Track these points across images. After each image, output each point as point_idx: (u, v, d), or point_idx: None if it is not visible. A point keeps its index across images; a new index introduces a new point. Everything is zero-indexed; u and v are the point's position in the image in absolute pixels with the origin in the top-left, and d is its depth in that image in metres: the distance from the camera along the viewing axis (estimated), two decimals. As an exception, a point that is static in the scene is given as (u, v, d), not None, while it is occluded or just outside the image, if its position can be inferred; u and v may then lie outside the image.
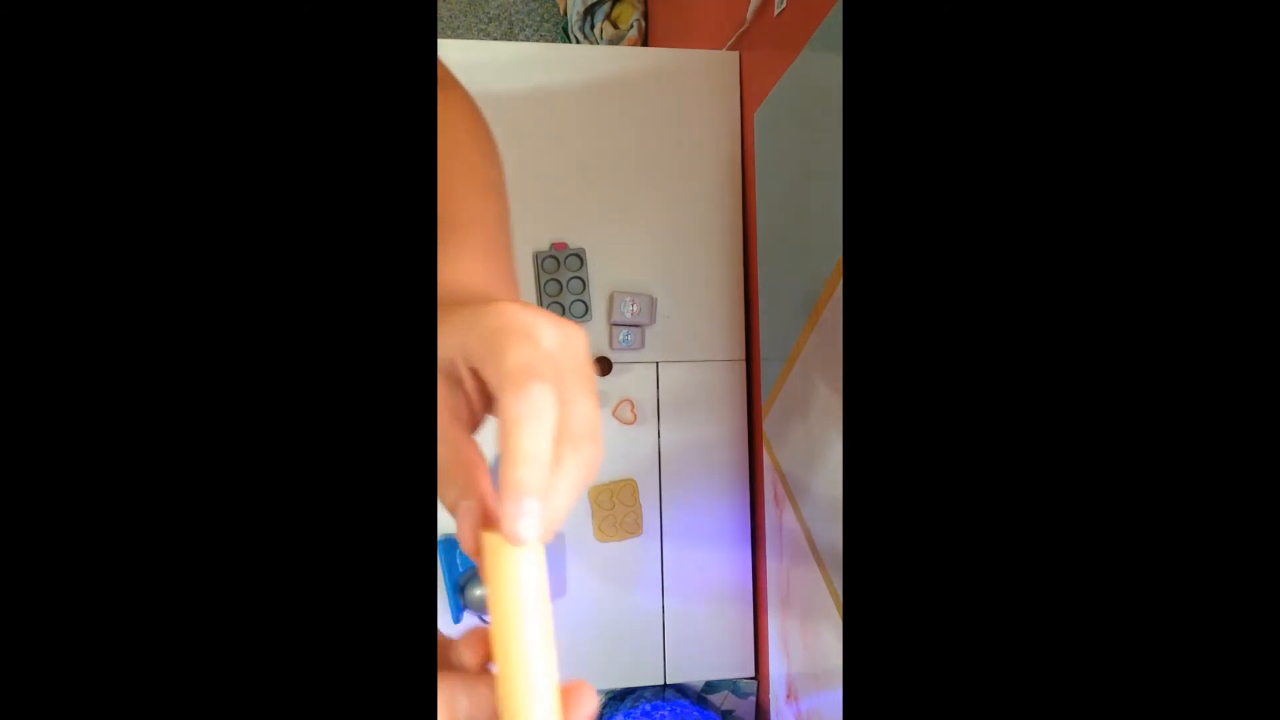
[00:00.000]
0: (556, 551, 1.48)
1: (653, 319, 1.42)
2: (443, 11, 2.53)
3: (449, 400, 0.26)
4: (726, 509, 1.47)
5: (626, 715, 1.59)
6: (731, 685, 1.53)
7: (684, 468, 1.46)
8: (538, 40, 2.46)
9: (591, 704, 0.26)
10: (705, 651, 1.48)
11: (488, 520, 0.25)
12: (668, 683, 1.53)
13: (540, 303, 1.35)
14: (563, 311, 1.38)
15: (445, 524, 1.47)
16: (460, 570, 1.44)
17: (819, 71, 1.05)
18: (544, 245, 1.39)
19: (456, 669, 0.25)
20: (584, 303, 1.38)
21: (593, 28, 2.23)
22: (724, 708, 1.53)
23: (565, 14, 2.34)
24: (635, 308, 1.40)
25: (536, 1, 2.52)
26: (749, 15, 1.35)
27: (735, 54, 1.46)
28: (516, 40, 2.41)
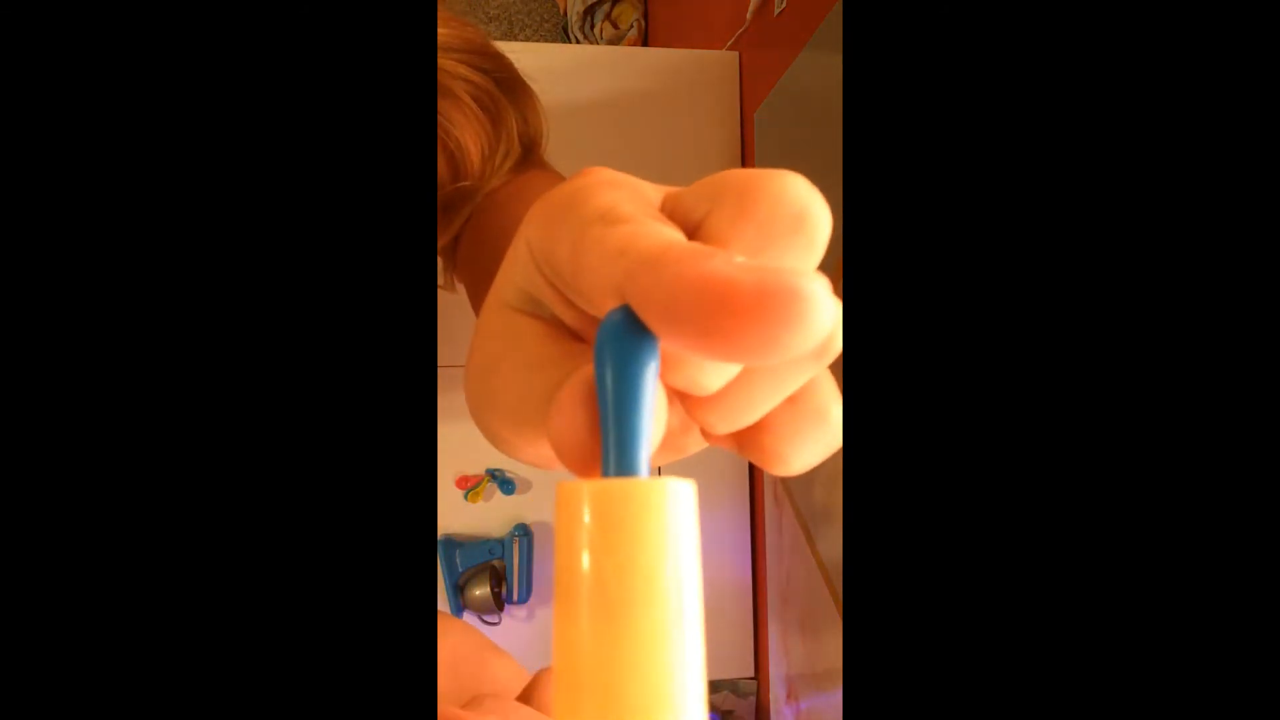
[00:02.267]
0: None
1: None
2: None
3: (534, 327, 0.20)
4: (726, 509, 1.47)
5: (626, 715, 1.59)
6: (731, 685, 1.53)
7: (684, 467, 1.46)
8: (538, 40, 2.45)
9: None
10: (705, 651, 1.48)
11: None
12: (668, 683, 1.52)
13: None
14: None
15: (445, 524, 1.47)
16: (460, 570, 1.44)
17: (819, 71, 1.05)
18: (544, 245, 1.39)
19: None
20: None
21: (593, 28, 2.23)
22: (724, 708, 1.53)
23: (565, 14, 2.34)
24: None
25: (536, 1, 2.52)
26: (749, 15, 1.35)
27: (735, 54, 1.46)
28: (516, 40, 2.41)
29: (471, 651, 0.24)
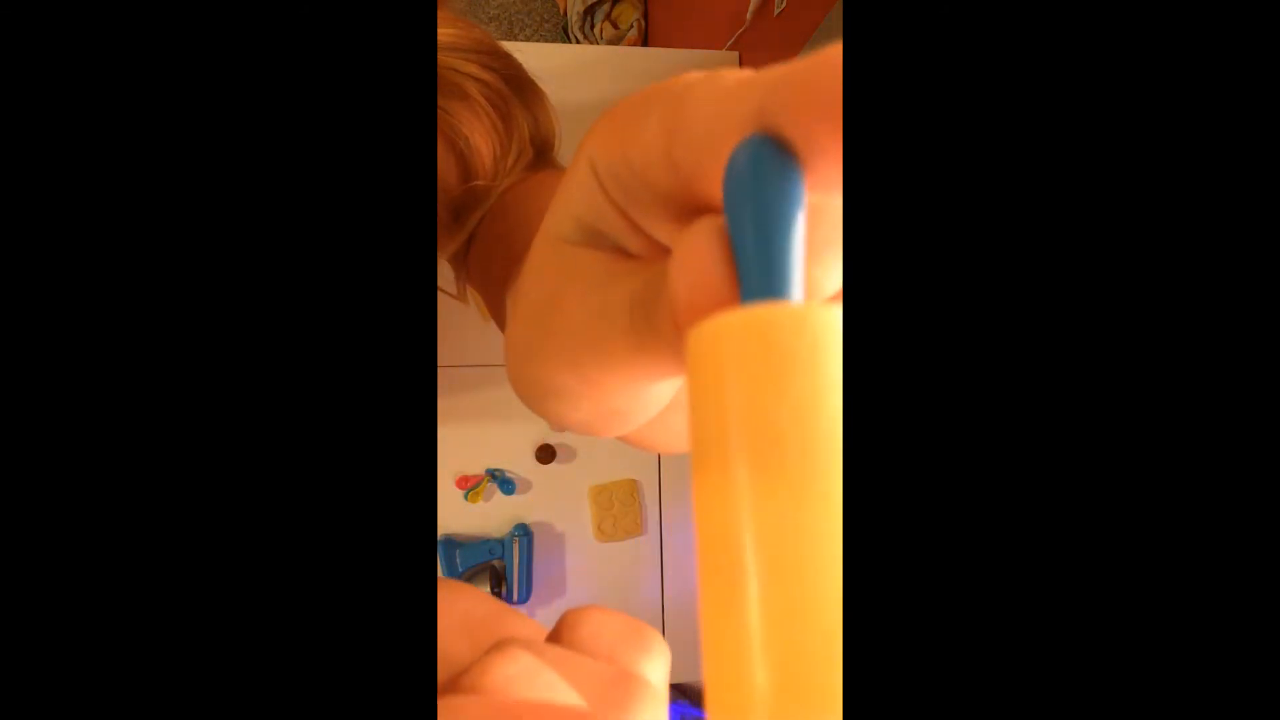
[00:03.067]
0: (556, 551, 1.48)
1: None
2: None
3: (597, 258, 0.18)
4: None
5: (626, 715, 1.59)
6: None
7: (684, 467, 1.45)
8: (538, 40, 2.45)
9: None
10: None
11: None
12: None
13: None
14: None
15: (445, 524, 1.47)
16: (460, 570, 1.44)
17: (819, 71, 1.05)
18: (544, 245, 1.39)
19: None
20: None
21: (593, 28, 2.23)
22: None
23: (565, 14, 2.34)
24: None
25: (536, 1, 2.51)
26: (749, 15, 1.35)
27: (735, 54, 1.46)
28: (516, 40, 2.41)
29: (485, 614, 0.23)
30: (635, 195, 0.16)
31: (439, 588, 0.21)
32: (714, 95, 0.14)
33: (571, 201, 0.18)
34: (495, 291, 0.46)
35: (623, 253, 0.18)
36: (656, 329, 0.16)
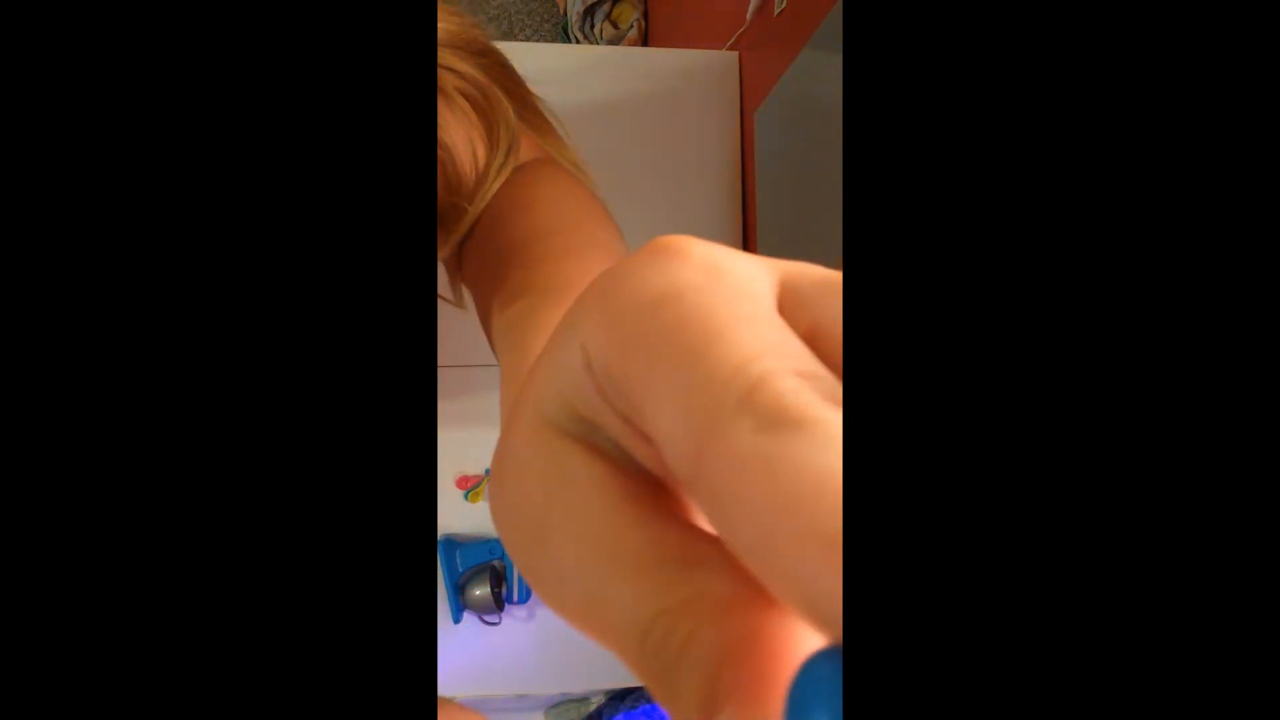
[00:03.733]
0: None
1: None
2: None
3: (595, 474, 0.15)
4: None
5: (627, 715, 1.59)
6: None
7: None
8: (537, 40, 2.45)
9: None
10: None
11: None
12: (668, 683, 1.52)
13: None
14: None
15: (445, 524, 1.46)
16: (460, 570, 1.44)
17: (819, 71, 1.05)
18: (544, 245, 1.39)
19: None
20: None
21: (593, 28, 2.23)
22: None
23: (565, 14, 2.34)
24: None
25: (536, 1, 2.51)
26: (749, 15, 1.35)
27: (735, 54, 1.46)
28: (516, 40, 2.41)
29: None
30: (650, 427, 0.14)
31: (441, 711, 0.18)
32: (755, 469, 0.12)
33: (562, 382, 0.16)
34: (484, 306, 0.43)
35: (622, 458, 0.16)
36: (668, 695, 0.14)
